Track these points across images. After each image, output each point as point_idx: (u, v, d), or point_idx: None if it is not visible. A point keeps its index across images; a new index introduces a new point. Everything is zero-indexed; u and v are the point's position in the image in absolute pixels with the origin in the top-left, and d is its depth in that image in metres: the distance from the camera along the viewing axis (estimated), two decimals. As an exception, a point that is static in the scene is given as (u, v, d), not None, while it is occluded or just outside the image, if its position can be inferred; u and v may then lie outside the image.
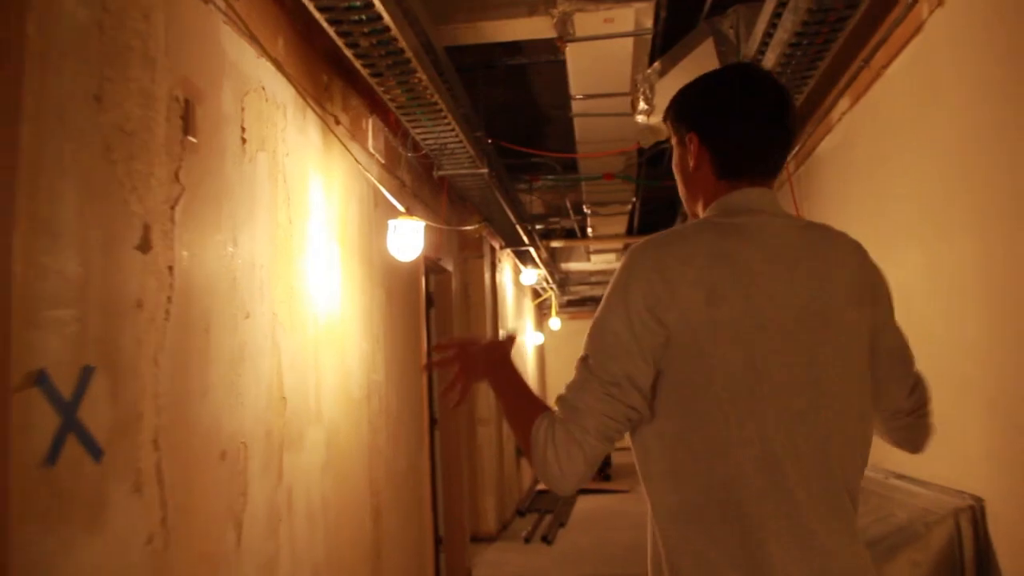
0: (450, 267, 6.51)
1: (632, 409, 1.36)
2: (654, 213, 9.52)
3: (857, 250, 1.51)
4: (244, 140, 2.85)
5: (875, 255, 1.53)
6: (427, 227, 4.37)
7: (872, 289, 1.48)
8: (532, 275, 10.27)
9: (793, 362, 1.34)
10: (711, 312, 1.33)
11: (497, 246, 8.67)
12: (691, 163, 1.50)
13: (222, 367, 2.60)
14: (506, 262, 9.65)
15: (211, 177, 2.61)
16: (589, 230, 9.53)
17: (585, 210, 8.00)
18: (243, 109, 2.86)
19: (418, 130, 4.36)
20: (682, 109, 1.54)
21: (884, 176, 3.68)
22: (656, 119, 4.48)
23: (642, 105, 4.44)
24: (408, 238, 3.87)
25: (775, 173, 1.53)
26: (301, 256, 3.33)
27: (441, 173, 5.19)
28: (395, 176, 4.81)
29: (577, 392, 1.38)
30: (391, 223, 3.92)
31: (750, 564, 1.28)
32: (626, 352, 1.35)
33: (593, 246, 10.60)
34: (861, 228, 3.93)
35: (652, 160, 6.99)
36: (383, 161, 4.57)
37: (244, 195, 2.84)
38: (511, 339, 1.65)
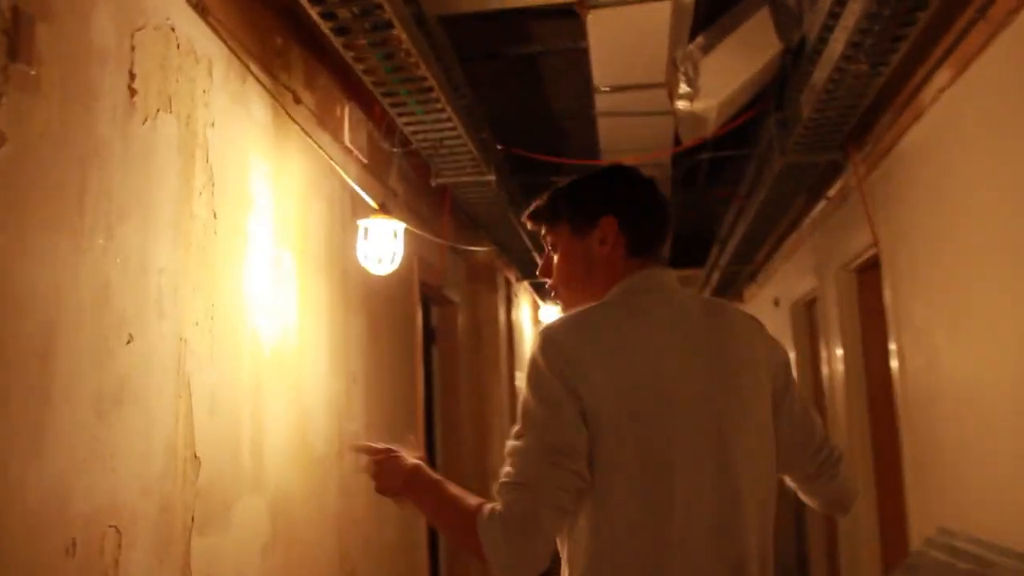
0: (456, 299, 5.64)
1: (579, 477, 1.38)
2: (688, 241, 8.63)
3: (753, 324, 1.60)
4: (133, 91, 2.02)
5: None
6: (410, 232, 3.51)
7: (769, 360, 1.56)
8: (553, 313, 9.38)
9: (702, 434, 1.41)
10: (620, 388, 1.39)
11: (513, 279, 7.80)
12: (602, 246, 1.57)
13: (77, 413, 1.73)
14: (524, 297, 8.77)
15: (66, 132, 1.77)
16: (615, 262, 8.65)
17: (611, 236, 7.14)
18: (133, 49, 2.02)
19: (406, 120, 3.52)
20: (588, 198, 1.61)
21: (1009, 174, 2.78)
22: (701, 104, 3.64)
23: (683, 88, 3.60)
24: (383, 244, 3.00)
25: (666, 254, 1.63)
26: (234, 264, 2.48)
27: (440, 181, 4.35)
28: (382, 182, 3.97)
29: (519, 471, 1.38)
30: (361, 224, 3.04)
31: None
32: (558, 423, 1.38)
33: (619, 281, 9.70)
34: (976, 241, 3.03)
35: (687, 176, 6.12)
36: (365, 161, 3.73)
37: (132, 168, 1.99)
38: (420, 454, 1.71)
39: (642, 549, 1.37)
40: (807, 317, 6.52)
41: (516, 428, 1.42)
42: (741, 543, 1.41)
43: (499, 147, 4.73)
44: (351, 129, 3.57)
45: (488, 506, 1.38)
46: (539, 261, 1.74)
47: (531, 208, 1.69)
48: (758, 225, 5.81)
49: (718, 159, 5.95)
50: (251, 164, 2.65)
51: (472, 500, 1.44)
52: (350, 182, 3.26)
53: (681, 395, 1.42)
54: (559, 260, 1.64)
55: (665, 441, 1.38)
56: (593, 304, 1.50)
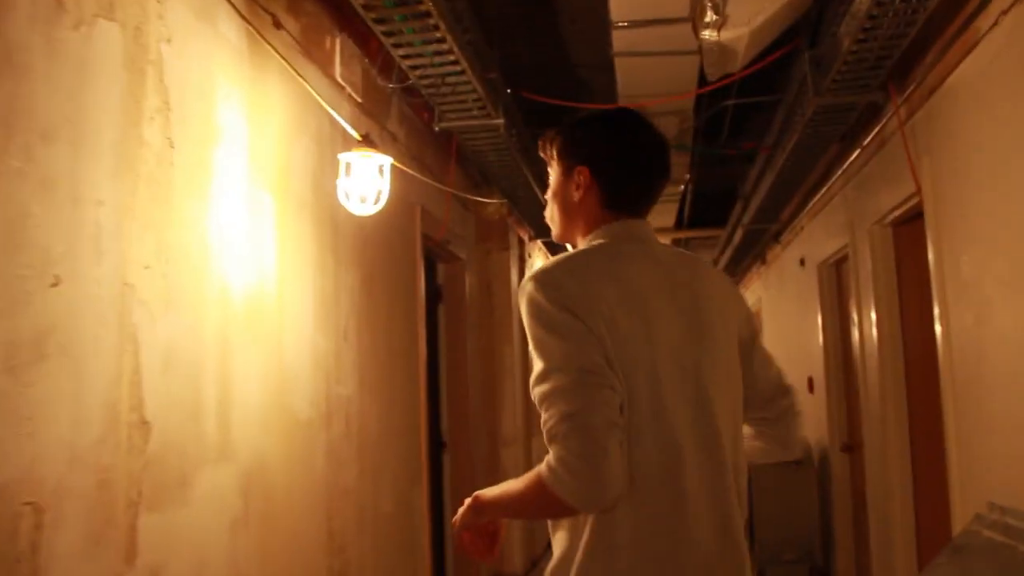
0: (463, 255, 5.31)
1: (615, 391, 1.39)
2: (708, 201, 8.26)
3: (724, 278, 1.75)
4: (60, -11, 1.70)
5: None
6: (412, 180, 3.19)
7: (737, 312, 1.67)
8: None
9: (681, 377, 1.48)
10: (615, 324, 1.43)
11: (526, 237, 7.46)
12: (576, 194, 1.63)
13: (-20, 369, 1.44)
14: (537, 257, 8.44)
15: (-35, 28, 1.45)
16: (632, 221, 8.29)
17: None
18: (59, -62, 1.70)
19: (403, 52, 3.18)
20: (573, 144, 1.65)
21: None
22: (730, 33, 3.28)
23: (710, 16, 3.25)
24: (367, 181, 2.66)
25: (650, 209, 1.67)
26: (197, 201, 2.17)
27: (443, 125, 4.01)
28: (379, 124, 3.64)
29: (561, 407, 1.36)
30: (341, 158, 2.71)
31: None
32: (579, 347, 1.39)
33: (637, 242, 9.33)
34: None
35: (711, 124, 5.74)
36: (359, 100, 3.40)
37: (60, 80, 1.68)
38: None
39: (659, 485, 1.44)
40: (835, 277, 6.16)
41: (537, 372, 1.42)
42: (722, 480, 1.49)
43: (508, 91, 4.39)
44: (343, 64, 3.24)
45: (544, 463, 1.38)
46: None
47: (545, 135, 1.73)
48: (786, 178, 5.45)
49: (743, 107, 5.57)
50: (220, 91, 2.32)
51: (530, 473, 1.43)
52: (333, 114, 2.92)
53: (663, 339, 1.48)
54: (549, 195, 1.71)
55: (655, 381, 1.44)
56: (573, 251, 1.57)
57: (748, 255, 9.00)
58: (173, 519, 1.97)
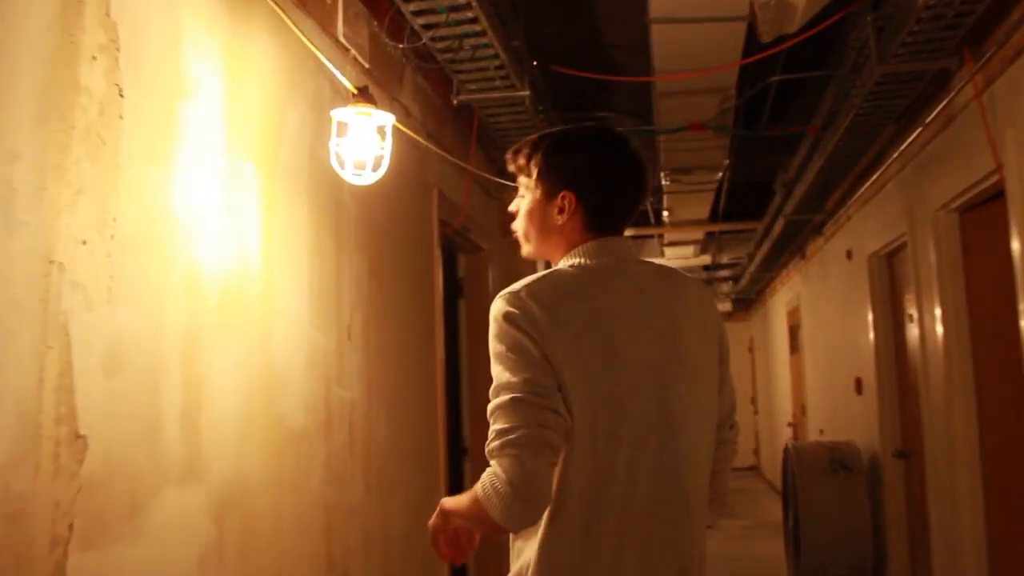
0: (486, 245, 4.91)
1: (558, 414, 1.41)
2: (743, 192, 7.81)
3: (704, 292, 1.69)
4: None
5: None
6: (428, 154, 2.78)
7: (716, 329, 1.64)
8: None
9: (647, 400, 1.48)
10: (574, 352, 1.44)
11: (553, 229, 7.04)
12: (560, 217, 1.59)
13: None
14: (565, 252, 8.00)
15: None
16: (665, 214, 7.84)
17: (663, 181, 6.32)
18: None
19: (414, 7, 2.79)
20: (557, 166, 1.61)
21: None
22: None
23: (766, -36, 2.83)
24: (364, 145, 2.23)
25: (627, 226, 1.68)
26: (156, 166, 1.78)
27: (463, 98, 3.61)
28: (390, 95, 3.24)
29: (502, 424, 1.39)
30: (334, 116, 2.28)
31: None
32: (528, 367, 1.41)
33: (669, 235, 8.89)
34: None
35: (751, 107, 5.30)
36: (366, 64, 3.00)
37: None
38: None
39: (585, 508, 1.44)
40: (887, 270, 5.70)
41: (492, 388, 1.44)
42: (683, 509, 1.49)
43: (535, 64, 3.98)
44: (346, 22, 2.85)
45: (483, 478, 1.40)
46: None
47: (515, 147, 1.67)
48: (836, 162, 5.01)
49: (785, 88, 5.13)
50: (189, 36, 1.94)
51: (475, 486, 1.43)
52: (328, 64, 2.50)
53: (632, 363, 1.48)
54: (523, 213, 1.66)
55: (615, 406, 1.45)
56: (547, 272, 1.54)
57: (786, 249, 8.53)
58: (120, 557, 1.58)
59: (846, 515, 5.82)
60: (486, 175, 4.50)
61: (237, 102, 2.14)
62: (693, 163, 5.92)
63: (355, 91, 2.32)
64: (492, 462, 1.39)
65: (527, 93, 3.58)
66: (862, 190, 5.63)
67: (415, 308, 3.49)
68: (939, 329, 4.28)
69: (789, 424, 10.14)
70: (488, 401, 1.44)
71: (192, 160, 1.91)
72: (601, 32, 4.85)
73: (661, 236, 9.17)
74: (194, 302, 1.88)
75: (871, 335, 5.81)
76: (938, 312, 4.29)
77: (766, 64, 4.79)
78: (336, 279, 2.68)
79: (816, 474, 5.89)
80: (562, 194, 1.59)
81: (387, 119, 2.04)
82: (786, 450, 6.43)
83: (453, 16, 2.85)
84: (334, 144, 1.98)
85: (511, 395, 1.39)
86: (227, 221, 2.06)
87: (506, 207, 4.96)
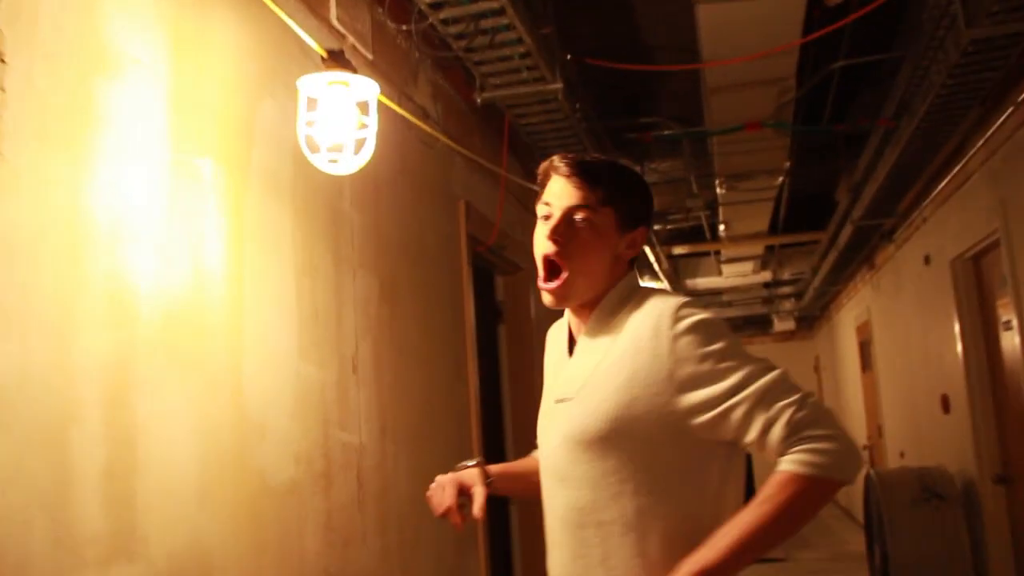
0: (526, 264, 4.47)
1: None
2: (804, 200, 7.27)
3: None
4: None
5: None
6: (453, 156, 2.35)
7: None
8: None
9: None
10: None
11: (601, 248, 6.58)
12: (627, 252, 1.50)
13: None
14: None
15: None
16: (721, 227, 7.33)
17: (718, 190, 5.82)
18: None
19: (418, -19, 2.38)
20: (641, 199, 1.52)
21: None
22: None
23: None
24: (340, 124, 1.79)
25: None
26: (59, 152, 1.37)
27: (487, 96, 3.19)
28: (404, 94, 2.83)
29: (785, 394, 1.32)
30: (301, 86, 1.80)
31: None
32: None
33: (726, 251, 8.36)
34: None
35: (811, 99, 4.81)
36: (368, 56, 2.60)
37: None
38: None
39: None
40: (974, 274, 5.13)
41: (740, 378, 1.32)
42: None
43: (568, 57, 3.55)
44: (341, 4, 2.45)
45: (797, 462, 1.27)
46: (548, 217, 1.44)
47: (585, 161, 1.47)
48: (912, 156, 4.47)
49: (849, 79, 4.64)
50: (115, -2, 1.54)
51: (771, 490, 1.27)
52: (295, 27, 2.06)
53: None
54: (586, 241, 1.45)
55: None
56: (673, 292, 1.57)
57: (854, 260, 7.95)
58: None
59: (942, 549, 5.21)
60: (521, 182, 4.05)
61: (187, 85, 1.73)
62: (751, 168, 5.42)
63: (325, 55, 1.88)
64: (811, 428, 1.27)
65: (559, 86, 3.15)
66: (940, 187, 5.08)
67: (442, 336, 3.05)
68: (1046, 336, 3.73)
69: (865, 447, 9.48)
70: None
71: (120, 152, 1.51)
72: (642, 30, 4.42)
73: (718, 253, 8.65)
74: (123, 329, 1.47)
75: (958, 347, 5.23)
76: (1044, 317, 3.74)
77: (827, 49, 4.33)
78: (335, 302, 2.25)
79: (905, 504, 5.30)
80: (640, 230, 1.50)
81: (369, 89, 1.59)
82: (868, 478, 5.85)
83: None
84: (303, 122, 1.52)
85: (776, 371, 1.32)
86: (174, 229, 1.64)
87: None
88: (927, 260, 5.83)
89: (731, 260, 8.85)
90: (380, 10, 2.71)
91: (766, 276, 9.87)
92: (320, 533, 2.04)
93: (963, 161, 4.56)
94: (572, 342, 1.50)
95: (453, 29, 2.69)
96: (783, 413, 1.27)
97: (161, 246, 1.60)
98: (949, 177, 4.86)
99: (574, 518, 1.39)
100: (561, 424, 1.42)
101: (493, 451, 3.87)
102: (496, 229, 3.74)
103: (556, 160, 1.47)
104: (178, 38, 1.71)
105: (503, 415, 4.25)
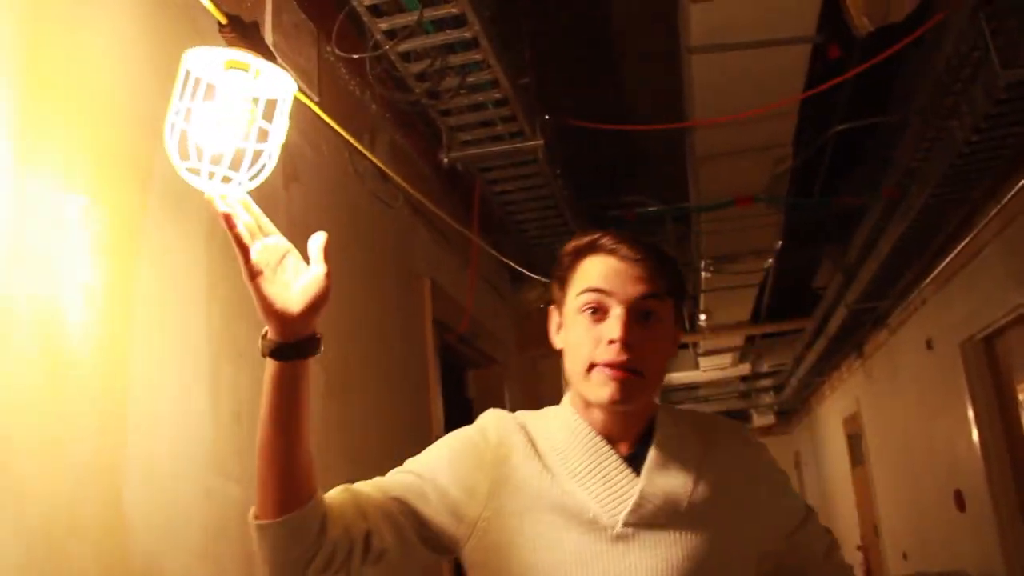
0: (500, 357, 3.96)
1: None
2: (788, 286, 6.87)
3: None
4: None
5: None
6: (372, 196, 1.87)
7: None
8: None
9: None
10: None
11: (577, 340, 6.09)
12: (675, 351, 1.42)
13: None
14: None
15: None
16: (702, 317, 6.86)
17: (702, 274, 5.38)
18: None
19: None
20: (685, 297, 1.49)
21: None
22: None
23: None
24: (231, 123, 1.06)
25: None
26: None
27: (454, 156, 2.73)
28: (356, 152, 2.36)
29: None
30: (185, 59, 1.16)
31: None
32: None
33: (705, 343, 7.91)
34: None
35: (804, 170, 4.42)
36: (314, 97, 2.13)
37: None
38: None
39: None
40: (986, 356, 4.71)
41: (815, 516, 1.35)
42: None
43: (546, 116, 3.12)
44: (279, 30, 1.99)
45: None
46: (600, 310, 1.17)
47: (645, 241, 1.21)
48: (924, 227, 4.07)
49: (845, 146, 4.28)
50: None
51: None
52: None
53: None
54: (658, 343, 1.20)
55: None
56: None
57: (840, 349, 7.53)
58: None
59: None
60: (502, 258, 3.57)
61: (42, 73, 1.24)
62: (739, 248, 4.99)
63: (223, 21, 1.38)
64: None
65: (540, 142, 2.71)
66: (944, 263, 4.69)
67: (403, 439, 2.52)
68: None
69: (859, 547, 8.92)
70: None
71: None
72: (625, 94, 4.03)
73: (696, 345, 8.19)
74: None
75: (974, 436, 4.78)
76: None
77: (825, 112, 3.97)
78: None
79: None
80: (685, 312, 1.06)
81: (281, 83, 1.08)
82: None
83: (429, 13, 1.99)
84: (177, 117, 0.98)
85: None
86: (16, 286, 1.13)
87: (524, 310, 3.99)
88: (929, 344, 5.41)
89: (709, 352, 8.40)
90: (328, 48, 2.26)
91: (744, 369, 9.45)
92: None
93: (973, 232, 4.18)
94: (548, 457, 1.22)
95: (415, 67, 2.24)
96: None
97: (-12, 313, 1.08)
98: (955, 252, 4.48)
99: None
100: (667, 555, 1.13)
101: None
102: (468, 314, 3.24)
103: (608, 239, 1.20)
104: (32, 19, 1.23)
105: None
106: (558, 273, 1.25)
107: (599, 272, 1.18)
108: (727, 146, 3.78)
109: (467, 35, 2.10)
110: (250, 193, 1.06)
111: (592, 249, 1.21)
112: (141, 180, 1.43)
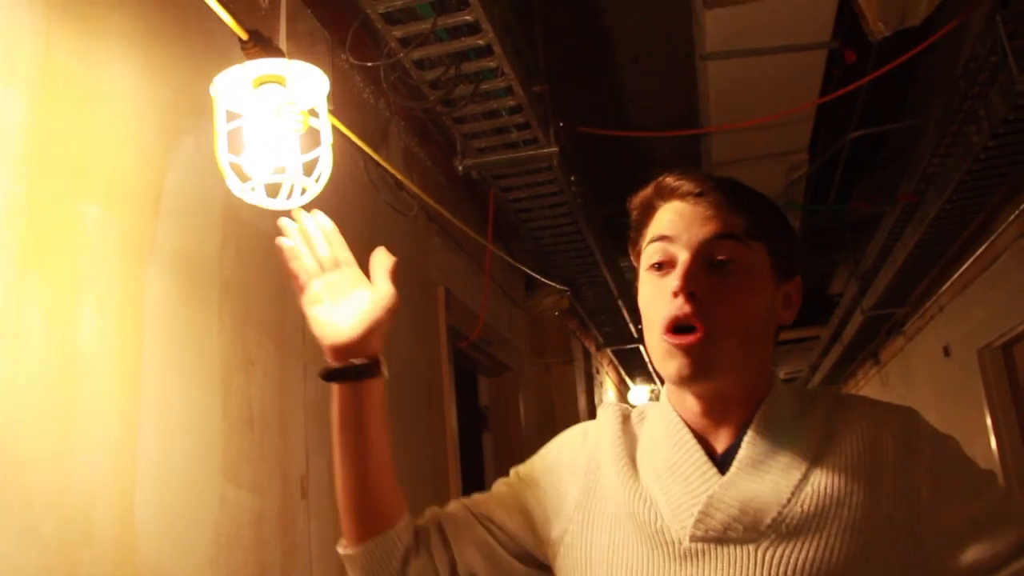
0: (514, 364, 3.95)
1: None
2: (803, 295, 6.81)
3: None
4: None
5: None
6: (426, 227, 1.88)
7: None
8: (643, 393, 7.64)
9: None
10: None
11: (592, 347, 6.09)
12: (785, 310, 1.03)
13: None
14: (607, 375, 7.01)
15: None
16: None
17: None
18: None
19: (383, 7, 1.94)
20: (794, 239, 1.05)
21: None
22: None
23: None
24: (278, 141, 1.18)
25: None
26: None
27: (468, 163, 2.73)
28: (372, 161, 2.36)
29: None
30: (216, 88, 1.17)
31: None
32: None
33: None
34: None
35: (819, 176, 4.39)
36: (328, 106, 2.13)
37: None
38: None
39: None
40: (1006, 363, 4.67)
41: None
42: None
43: (560, 124, 3.11)
44: (293, 39, 2.00)
45: None
46: (666, 264, 0.97)
47: (716, 177, 1.01)
48: (941, 232, 4.04)
49: (859, 153, 4.26)
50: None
51: None
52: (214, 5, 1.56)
53: None
54: (740, 292, 0.96)
55: None
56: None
57: (857, 356, 7.50)
58: None
59: None
60: (515, 263, 3.57)
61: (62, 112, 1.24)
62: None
63: (244, 37, 1.38)
64: None
65: (555, 149, 2.70)
66: (961, 270, 4.66)
67: (417, 447, 2.51)
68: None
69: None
70: None
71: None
72: (638, 103, 4.02)
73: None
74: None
75: (992, 443, 4.74)
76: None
77: (841, 118, 3.95)
78: (278, 405, 1.72)
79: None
80: (798, 280, 1.06)
81: (316, 84, 1.05)
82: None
83: (443, 20, 1.99)
84: (223, 144, 0.97)
85: None
86: (28, 295, 1.13)
87: (536, 326, 3.98)
88: (947, 352, 5.38)
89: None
90: (343, 56, 2.26)
91: (761, 377, 9.42)
92: None
93: (991, 238, 4.15)
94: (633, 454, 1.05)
95: (429, 75, 2.24)
96: None
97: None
98: (973, 258, 4.44)
99: None
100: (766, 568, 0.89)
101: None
102: (481, 321, 3.23)
103: (671, 177, 1.00)
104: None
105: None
106: (630, 235, 1.06)
107: (664, 219, 0.99)
108: (743, 152, 3.77)
109: (481, 42, 2.10)
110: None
111: (657, 195, 1.02)
112: (154, 187, 1.43)
